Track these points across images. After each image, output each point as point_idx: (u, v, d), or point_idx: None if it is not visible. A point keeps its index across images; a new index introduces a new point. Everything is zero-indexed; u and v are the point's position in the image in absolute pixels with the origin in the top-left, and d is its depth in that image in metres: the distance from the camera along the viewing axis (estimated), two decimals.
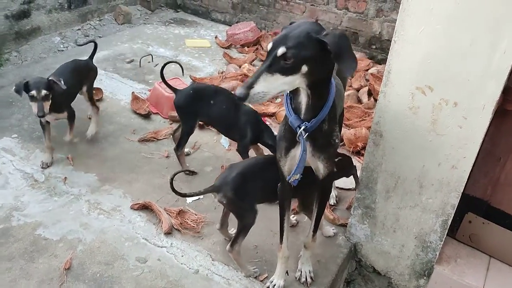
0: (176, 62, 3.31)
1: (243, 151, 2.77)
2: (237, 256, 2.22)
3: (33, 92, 2.66)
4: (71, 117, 3.03)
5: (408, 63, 1.99)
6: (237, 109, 2.78)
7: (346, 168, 2.43)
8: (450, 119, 1.98)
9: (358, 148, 3.26)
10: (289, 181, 1.91)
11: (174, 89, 2.92)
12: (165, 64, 2.99)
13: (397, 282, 2.50)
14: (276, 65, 1.59)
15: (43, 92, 2.66)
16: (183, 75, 3.67)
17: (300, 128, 1.80)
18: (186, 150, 3.13)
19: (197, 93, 2.84)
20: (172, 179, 2.16)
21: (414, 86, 2.01)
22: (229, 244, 2.21)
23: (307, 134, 1.81)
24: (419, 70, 1.97)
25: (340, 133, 2.96)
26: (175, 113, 3.54)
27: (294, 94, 1.79)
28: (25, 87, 2.67)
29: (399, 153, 2.18)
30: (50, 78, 2.73)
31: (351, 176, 2.49)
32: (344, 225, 2.62)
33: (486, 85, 1.83)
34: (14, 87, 2.72)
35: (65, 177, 2.88)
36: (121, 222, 2.58)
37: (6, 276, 2.19)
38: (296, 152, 1.91)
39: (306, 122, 1.79)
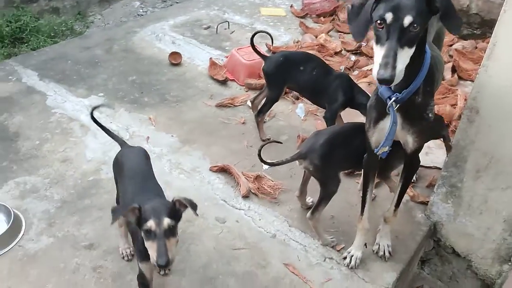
0: (266, 32, 3.27)
1: (331, 118, 2.72)
2: (317, 224, 2.23)
3: (151, 224, 1.52)
4: None
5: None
6: (328, 74, 2.75)
7: (436, 128, 2.27)
8: None
9: None
10: (377, 153, 1.87)
11: (263, 56, 2.93)
12: (255, 33, 2.98)
13: (477, 266, 2.41)
14: (404, 37, 1.49)
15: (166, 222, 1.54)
16: (272, 44, 3.67)
17: (390, 99, 1.74)
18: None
19: (287, 60, 2.83)
20: (260, 150, 2.20)
21: None
22: (309, 211, 2.22)
23: (397, 105, 1.75)
24: None
25: None
26: (251, 81, 3.58)
27: None
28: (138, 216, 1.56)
29: (496, 132, 2.06)
30: (176, 199, 1.63)
31: (432, 154, 2.38)
32: (423, 203, 2.55)
33: None
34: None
35: (148, 136, 3.00)
36: (201, 182, 2.66)
37: (98, 223, 2.35)
38: (385, 124, 1.86)
39: (397, 93, 1.73)
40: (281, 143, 2.49)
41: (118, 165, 2.03)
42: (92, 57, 3.91)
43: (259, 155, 2.18)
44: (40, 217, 2.36)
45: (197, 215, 1.64)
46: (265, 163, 2.23)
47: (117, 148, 2.86)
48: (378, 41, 1.53)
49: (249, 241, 2.30)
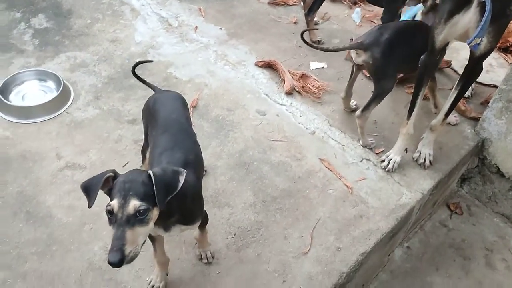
0: None
1: (388, 18, 2.54)
2: (363, 123, 2.18)
3: (113, 205, 1.16)
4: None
5: None
6: None
7: None
8: None
9: (508, 44, 2.88)
10: (469, 45, 1.67)
11: None
12: None
13: None
14: None
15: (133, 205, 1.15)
16: None
17: None
18: (315, 18, 3.00)
19: None
20: (302, 33, 2.12)
21: None
22: (360, 109, 2.16)
23: None
24: None
25: None
26: None
27: None
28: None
29: None
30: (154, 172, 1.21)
31: (493, 72, 2.21)
32: (475, 119, 2.42)
33: None
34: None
35: (196, 26, 2.95)
36: (245, 75, 2.62)
37: (141, 101, 2.31)
38: (461, 18, 1.70)
39: None
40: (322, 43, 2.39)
41: (149, 111, 1.72)
42: None
43: (302, 37, 2.11)
44: (88, 89, 2.44)
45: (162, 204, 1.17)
46: (315, 47, 2.16)
47: (166, 34, 2.88)
48: None
49: (287, 134, 2.29)
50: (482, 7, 1.60)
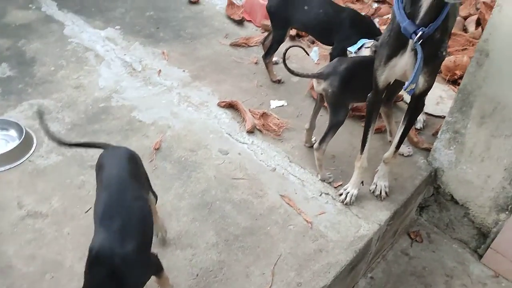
0: None
1: (338, 54, 2.69)
2: (321, 156, 2.27)
3: None
4: None
5: None
6: (336, 11, 2.70)
7: None
8: None
9: (456, 76, 3.05)
10: (405, 91, 1.82)
11: None
12: None
13: (474, 214, 2.43)
14: None
15: None
16: None
17: (416, 34, 1.68)
18: (274, 59, 3.12)
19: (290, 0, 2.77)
20: (284, 56, 2.28)
21: None
22: (317, 142, 2.26)
23: (421, 40, 1.69)
24: None
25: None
26: (267, 22, 3.51)
27: None
28: None
29: (505, 76, 2.01)
30: None
31: (443, 104, 2.36)
32: (427, 150, 2.54)
33: None
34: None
35: (160, 70, 3.03)
36: (208, 116, 2.70)
37: None
38: (398, 61, 1.84)
39: (423, 27, 1.67)
40: (308, 53, 2.61)
41: (97, 168, 1.70)
42: None
43: (284, 62, 2.26)
44: None
45: None
46: (288, 70, 2.29)
47: (130, 78, 2.95)
48: None
49: (249, 172, 2.36)
50: (416, 51, 1.74)
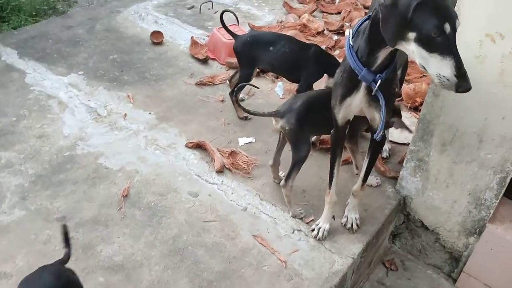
0: (231, 11, 3.25)
1: (304, 91, 2.76)
2: (289, 192, 2.27)
3: None
4: None
5: (479, 8, 1.87)
6: (300, 49, 2.77)
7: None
8: None
9: (417, 103, 3.15)
10: (377, 138, 1.87)
11: (233, 35, 2.93)
12: (223, 12, 3.01)
13: (445, 239, 2.46)
14: None
15: None
16: (238, 24, 3.63)
17: (376, 82, 1.75)
18: (240, 96, 3.16)
19: (255, 40, 2.84)
20: (237, 97, 2.40)
21: (484, 33, 1.89)
22: (283, 179, 2.26)
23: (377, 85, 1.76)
24: (491, 16, 1.85)
25: (400, 88, 2.89)
26: (232, 60, 3.58)
27: (372, 49, 1.71)
28: None
29: (460, 105, 2.09)
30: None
31: (407, 130, 2.42)
32: (394, 178, 2.59)
33: None
34: None
35: (125, 114, 3.02)
36: (176, 158, 2.68)
37: (71, 197, 2.38)
38: (353, 100, 1.89)
39: (380, 74, 1.75)
40: (257, 87, 2.64)
41: None
42: (73, 36, 3.90)
43: (237, 101, 2.35)
44: (13, 190, 2.39)
45: None
46: (243, 109, 2.31)
47: (95, 124, 2.91)
48: (434, 50, 1.48)
49: (220, 213, 2.34)
50: (369, 90, 1.80)
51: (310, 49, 2.78)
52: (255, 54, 2.83)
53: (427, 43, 1.48)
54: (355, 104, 1.89)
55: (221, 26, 3.14)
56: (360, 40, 1.76)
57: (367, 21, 1.73)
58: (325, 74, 2.81)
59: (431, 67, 1.51)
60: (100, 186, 2.45)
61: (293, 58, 2.78)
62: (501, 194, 2.16)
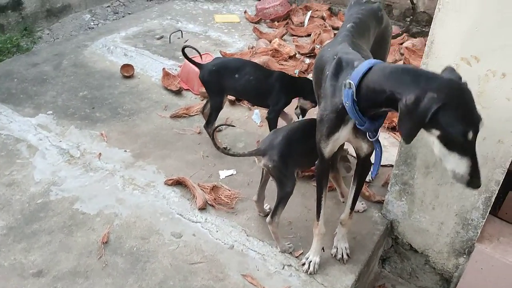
0: (191, 46, 3.09)
1: (274, 118, 2.75)
2: (276, 229, 2.21)
3: None
4: None
5: (453, 32, 1.89)
6: (266, 76, 2.77)
7: None
8: (497, 91, 1.88)
9: (394, 124, 3.17)
10: (373, 178, 1.87)
11: (198, 65, 2.90)
12: (184, 47, 2.97)
13: (434, 260, 2.44)
14: None
15: None
16: (201, 58, 3.54)
17: (377, 132, 1.79)
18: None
19: (221, 68, 2.82)
20: (213, 135, 2.31)
21: (459, 57, 1.91)
22: (269, 216, 2.20)
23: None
24: (465, 40, 1.87)
25: None
26: None
27: (375, 107, 1.71)
28: None
29: None
30: None
31: (387, 152, 2.42)
32: (380, 202, 2.57)
33: None
34: None
35: (100, 153, 2.91)
36: (156, 197, 2.59)
37: (46, 249, 2.25)
38: (340, 134, 1.88)
39: (378, 121, 1.79)
40: (234, 126, 2.68)
41: None
42: (40, 74, 3.77)
43: (215, 144, 2.24)
44: None
45: None
46: (222, 151, 2.25)
47: (68, 167, 2.79)
48: (454, 149, 1.50)
49: (206, 254, 2.26)
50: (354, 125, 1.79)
51: (272, 76, 2.79)
52: (222, 82, 2.80)
53: (449, 143, 1.50)
54: (343, 137, 1.87)
55: (193, 56, 3.10)
56: (363, 97, 1.70)
57: (368, 72, 1.68)
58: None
59: (448, 163, 1.54)
60: (78, 234, 2.33)
61: (258, 85, 2.78)
62: (487, 214, 2.16)
